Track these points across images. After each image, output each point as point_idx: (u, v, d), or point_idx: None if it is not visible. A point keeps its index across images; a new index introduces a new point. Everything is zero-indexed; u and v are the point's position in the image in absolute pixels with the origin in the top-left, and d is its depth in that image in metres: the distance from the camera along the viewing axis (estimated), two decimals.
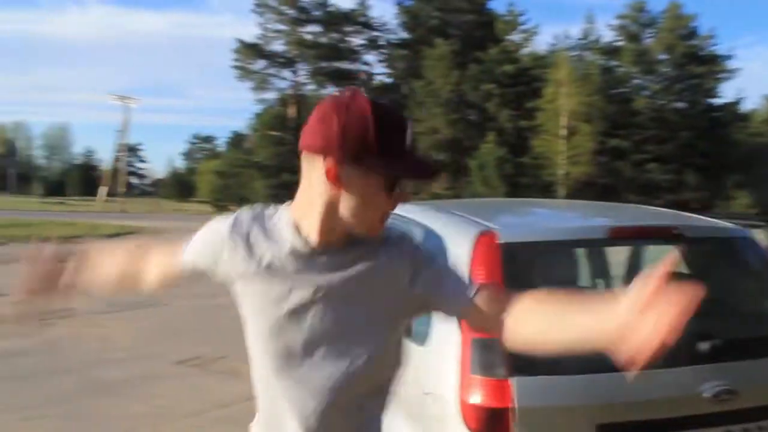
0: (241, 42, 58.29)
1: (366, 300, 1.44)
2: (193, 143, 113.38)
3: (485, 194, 49.09)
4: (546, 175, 49.00)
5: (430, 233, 2.86)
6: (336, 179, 1.33)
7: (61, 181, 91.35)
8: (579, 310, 1.26)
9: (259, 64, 59.77)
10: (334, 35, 59.40)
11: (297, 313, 1.43)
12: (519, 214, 3.77)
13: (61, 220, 25.56)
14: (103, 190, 49.88)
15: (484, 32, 54.10)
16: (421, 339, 2.56)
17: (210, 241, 1.54)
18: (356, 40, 60.87)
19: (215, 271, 1.53)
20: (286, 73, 61.03)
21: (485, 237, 2.56)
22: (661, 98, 52.48)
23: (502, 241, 2.54)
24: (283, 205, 1.49)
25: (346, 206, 1.36)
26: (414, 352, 1.92)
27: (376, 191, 1.36)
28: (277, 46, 59.79)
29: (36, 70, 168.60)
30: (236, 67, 59.88)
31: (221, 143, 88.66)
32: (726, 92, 60.56)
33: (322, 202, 1.37)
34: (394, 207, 1.41)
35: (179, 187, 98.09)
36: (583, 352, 1.26)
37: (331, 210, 1.37)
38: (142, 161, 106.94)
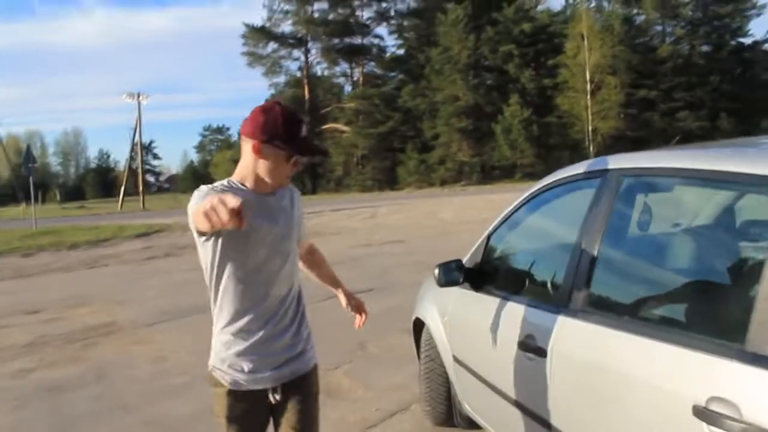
0: (249, 26, 57.01)
1: (288, 219, 2.36)
2: (206, 135, 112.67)
3: (513, 158, 47.65)
4: (574, 133, 47.36)
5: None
6: (258, 153, 2.21)
7: (79, 186, 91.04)
8: (323, 271, 2.77)
9: (269, 47, 58.57)
10: (343, 10, 57.71)
11: (260, 233, 2.23)
12: None
13: (86, 225, 24.51)
14: (120, 192, 48.89)
15: None
16: None
17: (217, 191, 2.17)
18: (366, 14, 59.19)
19: None
20: (297, 53, 59.73)
21: None
22: (687, 43, 50.44)
23: None
24: (225, 179, 2.30)
25: (264, 170, 2.24)
26: None
27: (281, 161, 2.23)
28: (286, 27, 58.38)
29: (45, 79, 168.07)
30: (246, 54, 58.75)
31: (234, 133, 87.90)
32: (756, 30, 58.06)
33: (252, 168, 2.25)
34: (293, 171, 2.28)
35: (196, 180, 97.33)
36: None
37: (257, 172, 2.25)
38: (157, 158, 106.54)
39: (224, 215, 1.70)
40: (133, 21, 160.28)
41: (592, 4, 51.36)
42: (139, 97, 50.35)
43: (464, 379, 3.39)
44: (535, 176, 46.11)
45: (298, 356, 2.36)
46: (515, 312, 2.75)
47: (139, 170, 55.74)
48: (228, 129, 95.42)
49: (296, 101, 59.00)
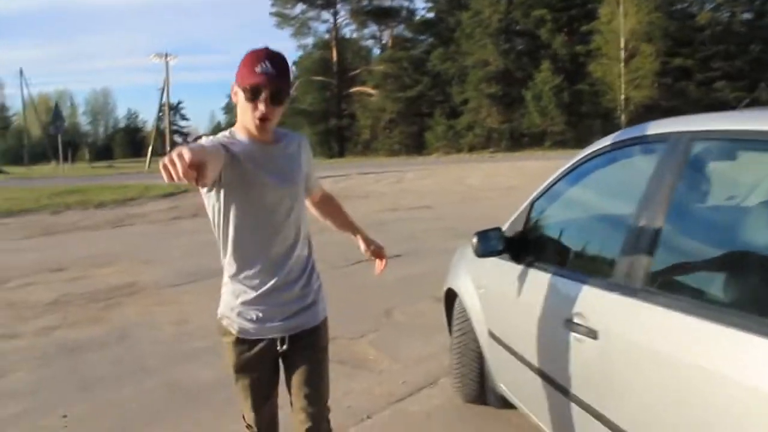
0: None
1: (293, 168, 2.30)
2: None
3: (543, 125, 46.84)
4: (606, 101, 46.34)
5: None
6: (234, 96, 2.19)
7: (108, 146, 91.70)
8: (341, 217, 2.72)
9: (298, 8, 57.92)
10: None
11: (260, 182, 2.18)
12: None
13: (113, 184, 24.57)
14: (147, 152, 48.96)
15: None
16: None
17: (214, 142, 2.17)
18: None
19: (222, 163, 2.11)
20: (326, 15, 59.01)
21: None
22: (728, 10, 48.85)
23: None
24: (228, 129, 2.28)
25: (239, 114, 2.20)
26: None
27: (243, 101, 2.14)
28: None
29: (74, 39, 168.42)
30: (274, 14, 58.16)
31: None
32: None
33: (239, 115, 2.21)
34: (260, 113, 2.12)
35: None
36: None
37: (240, 118, 2.21)
38: (185, 119, 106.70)
39: (180, 169, 1.64)
40: None
41: None
42: (167, 57, 50.14)
43: (500, 356, 3.19)
44: (565, 144, 45.40)
45: (308, 308, 2.34)
46: (561, 287, 2.53)
47: (167, 131, 55.78)
48: None
49: (324, 63, 58.46)
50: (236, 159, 2.14)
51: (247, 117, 2.15)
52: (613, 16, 44.46)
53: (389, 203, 15.59)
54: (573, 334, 2.32)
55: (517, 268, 2.91)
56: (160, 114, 56.87)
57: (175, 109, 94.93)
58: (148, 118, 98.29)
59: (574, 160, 2.77)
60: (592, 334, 2.20)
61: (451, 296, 3.90)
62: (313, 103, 56.27)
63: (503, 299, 3.12)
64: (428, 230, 10.76)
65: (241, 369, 2.35)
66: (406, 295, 6.51)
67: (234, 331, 2.32)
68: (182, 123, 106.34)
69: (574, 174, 2.80)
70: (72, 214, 16.30)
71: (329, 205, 2.71)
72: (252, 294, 2.26)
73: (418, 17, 59.28)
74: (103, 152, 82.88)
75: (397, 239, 9.49)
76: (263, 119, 2.14)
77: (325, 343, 2.42)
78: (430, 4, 58.67)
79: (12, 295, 7.45)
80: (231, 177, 2.13)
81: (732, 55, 47.22)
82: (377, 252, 2.69)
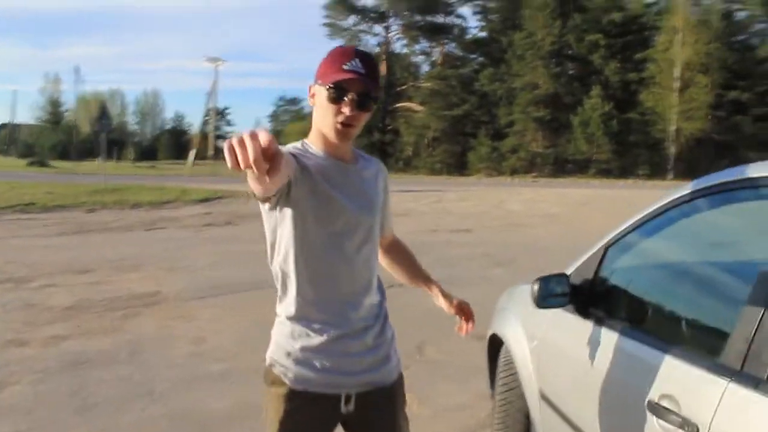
0: None
1: (371, 194, 1.94)
2: (279, 105, 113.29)
3: (588, 153, 45.87)
4: (656, 131, 45.28)
5: None
6: (312, 97, 1.86)
7: (153, 146, 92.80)
8: (413, 268, 2.26)
9: (350, 20, 57.93)
10: None
11: (334, 205, 1.82)
12: None
13: (151, 185, 24.52)
14: (191, 154, 49.23)
15: None
16: None
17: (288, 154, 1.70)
18: None
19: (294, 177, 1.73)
20: (378, 28, 58.92)
21: None
22: None
23: None
24: (300, 140, 1.92)
25: (316, 118, 1.85)
26: None
27: (324, 101, 1.79)
28: (369, 0, 57.56)
29: (129, 39, 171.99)
30: (326, 25, 58.25)
31: (307, 105, 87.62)
32: None
33: (314, 122, 1.87)
34: (343, 116, 1.78)
35: None
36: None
37: (316, 125, 1.86)
38: (230, 125, 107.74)
39: (252, 153, 1.23)
40: None
41: None
42: (217, 62, 50.59)
43: (553, 423, 2.67)
44: (609, 173, 44.44)
45: (381, 362, 1.97)
46: (644, 357, 2.01)
47: (210, 135, 56.19)
48: (302, 100, 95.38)
49: None
50: (308, 172, 1.78)
51: (327, 121, 1.81)
52: (670, 45, 43.54)
53: (429, 224, 15.08)
54: (658, 421, 1.81)
55: (584, 324, 2.40)
56: (206, 118, 57.39)
57: (221, 114, 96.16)
58: (194, 121, 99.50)
59: (671, 198, 2.23)
60: (690, 427, 1.69)
61: (496, 343, 3.39)
62: None
63: (562, 358, 2.60)
64: (468, 257, 10.24)
65: (291, 428, 1.89)
66: (440, 328, 5.94)
67: (288, 381, 1.88)
68: (227, 128, 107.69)
69: (668, 215, 2.25)
70: (107, 213, 16.16)
71: (400, 252, 2.27)
72: (316, 339, 1.87)
73: (469, 35, 58.85)
74: (148, 152, 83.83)
75: (435, 264, 8.96)
76: (346, 124, 1.80)
77: (402, 402, 2.05)
78: (483, 23, 58.24)
79: (33, 295, 7.17)
80: (301, 193, 1.76)
81: None
82: (464, 309, 2.24)
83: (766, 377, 1.59)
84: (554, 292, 2.42)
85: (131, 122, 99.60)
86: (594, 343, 2.32)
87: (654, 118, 44.95)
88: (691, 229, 2.25)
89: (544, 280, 2.40)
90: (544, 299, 2.41)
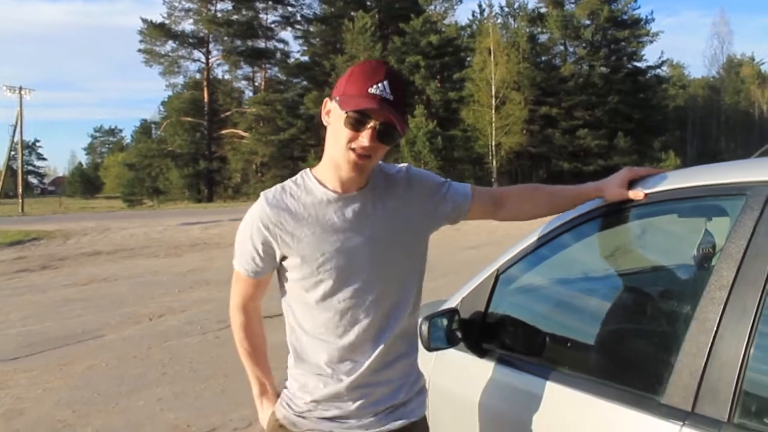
0: (148, 22, 54.08)
1: (394, 222, 1.69)
2: (96, 137, 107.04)
3: None
4: (478, 146, 47.48)
5: None
6: (327, 115, 1.64)
7: None
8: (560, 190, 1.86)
9: (168, 46, 55.81)
10: (247, 12, 55.76)
11: (341, 255, 1.63)
12: None
13: None
14: None
15: (406, 2, 51.85)
16: None
17: (254, 243, 1.69)
18: (271, 17, 57.48)
19: (276, 255, 1.67)
20: (198, 54, 57.21)
21: None
22: (587, 63, 51.76)
23: None
24: (301, 173, 1.73)
25: (328, 140, 1.64)
26: None
27: (340, 123, 1.58)
28: (187, 25, 55.80)
29: None
30: (143, 51, 55.66)
31: (126, 135, 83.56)
32: (649, 56, 60.43)
33: (326, 145, 1.65)
34: (362, 146, 1.57)
35: (84, 183, 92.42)
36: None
37: (327, 148, 1.65)
38: (42, 159, 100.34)
39: None
40: (23, 11, 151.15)
41: (498, 21, 51.94)
42: (21, 91, 46.56)
43: None
44: None
45: (402, 405, 1.78)
46: (564, 404, 1.65)
47: (19, 171, 51.63)
48: (121, 130, 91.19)
49: (195, 104, 56.46)
50: (296, 239, 1.65)
51: (339, 148, 1.61)
52: (485, 65, 45.87)
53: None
54: None
55: (480, 364, 2.01)
56: (13, 153, 52.74)
57: (30, 147, 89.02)
58: None
59: (572, 215, 1.89)
60: None
61: None
62: (182, 145, 53.99)
63: (457, 405, 2.19)
64: None
65: None
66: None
67: None
68: (38, 163, 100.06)
69: (570, 235, 1.91)
70: None
71: (524, 198, 1.90)
72: (333, 387, 1.70)
73: (292, 60, 58.75)
74: None
75: None
76: (362, 156, 1.60)
77: None
78: (305, 47, 58.35)
79: None
80: (294, 262, 1.67)
81: (592, 105, 49.93)
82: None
83: (727, 418, 1.28)
84: (444, 332, 2.01)
85: None
86: (496, 389, 1.94)
87: (475, 134, 47.14)
88: (608, 250, 1.95)
89: (432, 320, 1.98)
90: (435, 341, 1.99)
